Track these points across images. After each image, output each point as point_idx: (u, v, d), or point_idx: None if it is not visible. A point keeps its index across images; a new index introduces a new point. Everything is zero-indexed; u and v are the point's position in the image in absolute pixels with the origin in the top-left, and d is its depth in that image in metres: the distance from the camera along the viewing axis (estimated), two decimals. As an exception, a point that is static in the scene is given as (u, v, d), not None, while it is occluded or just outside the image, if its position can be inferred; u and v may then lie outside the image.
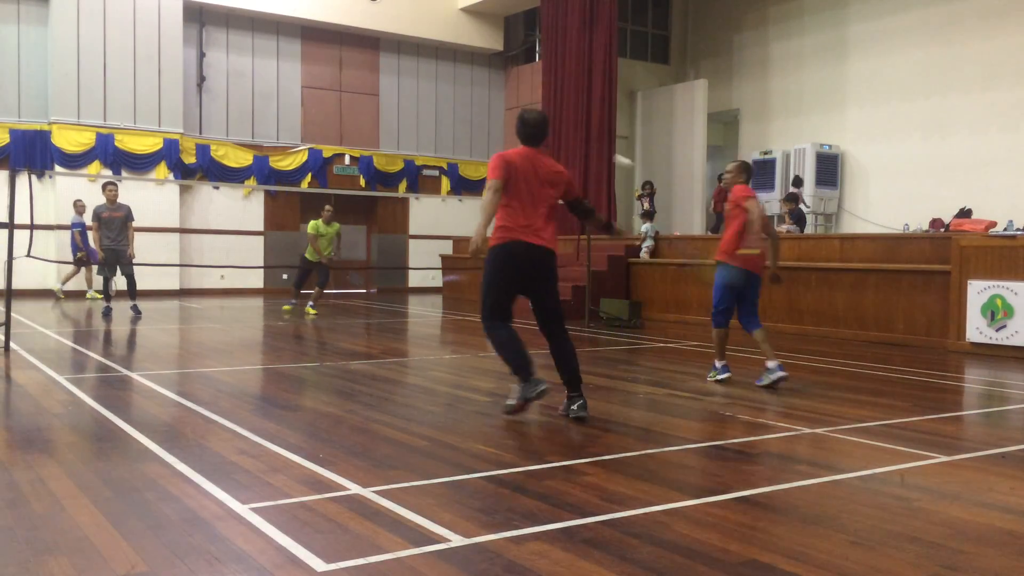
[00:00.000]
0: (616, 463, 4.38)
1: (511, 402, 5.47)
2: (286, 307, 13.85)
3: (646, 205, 15.63)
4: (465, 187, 21.12)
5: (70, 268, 15.88)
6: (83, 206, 15.53)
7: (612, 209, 17.72)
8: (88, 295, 16.24)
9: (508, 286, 5.47)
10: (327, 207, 13.64)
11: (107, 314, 12.20)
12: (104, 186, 12.45)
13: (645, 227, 14.24)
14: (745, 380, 7.30)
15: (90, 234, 12.91)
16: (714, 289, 7.02)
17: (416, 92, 20.73)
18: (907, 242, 10.71)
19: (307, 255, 13.61)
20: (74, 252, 15.46)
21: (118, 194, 12.48)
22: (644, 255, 14.02)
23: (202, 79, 18.17)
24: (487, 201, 5.27)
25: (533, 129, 5.57)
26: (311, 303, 13.65)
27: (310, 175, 19.27)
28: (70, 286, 16.32)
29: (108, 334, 10.50)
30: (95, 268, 14.58)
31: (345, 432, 5.07)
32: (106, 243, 12.15)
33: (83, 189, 16.62)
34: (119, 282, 12.72)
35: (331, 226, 13.52)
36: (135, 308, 12.56)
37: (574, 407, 5.47)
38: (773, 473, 4.27)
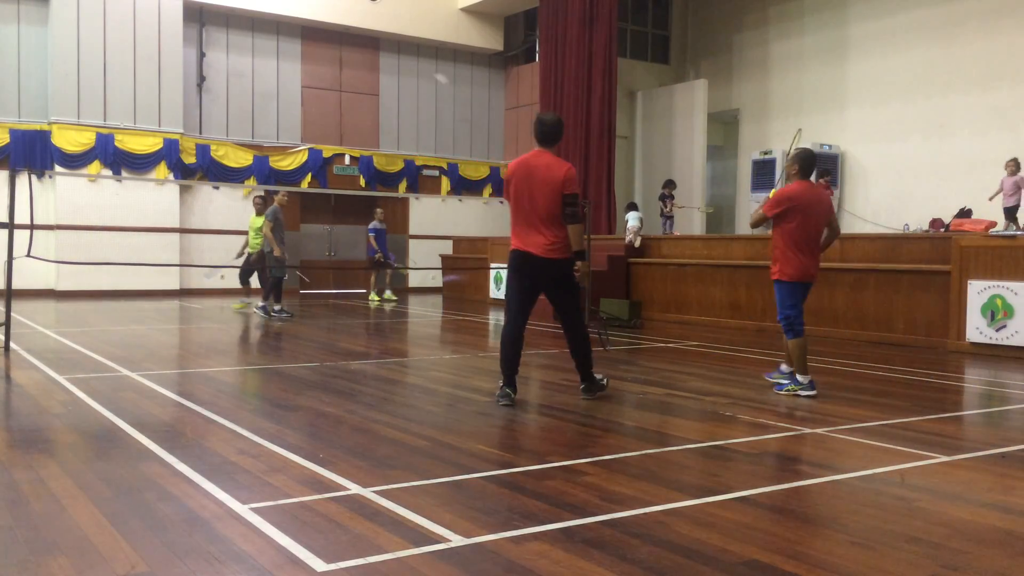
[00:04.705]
0: (616, 463, 4.38)
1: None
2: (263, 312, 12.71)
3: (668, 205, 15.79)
4: (465, 187, 21.11)
5: (374, 276, 17.07)
6: (383, 214, 16.90)
7: (612, 209, 17.74)
8: (385, 295, 17.08)
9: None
10: (258, 194, 12.86)
11: (287, 316, 12.46)
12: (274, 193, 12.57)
13: (628, 215, 14.14)
14: (745, 380, 7.30)
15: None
16: None
17: (416, 92, 20.72)
18: (907, 242, 10.70)
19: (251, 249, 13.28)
20: (371, 255, 16.81)
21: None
22: (636, 242, 13.82)
23: (202, 79, 18.17)
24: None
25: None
26: (243, 299, 13.59)
27: (310, 175, 19.26)
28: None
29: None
30: (387, 272, 16.87)
31: (345, 432, 5.07)
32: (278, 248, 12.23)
33: (83, 189, 16.65)
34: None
35: (258, 217, 12.56)
36: (265, 309, 12.57)
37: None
38: (773, 473, 4.27)
